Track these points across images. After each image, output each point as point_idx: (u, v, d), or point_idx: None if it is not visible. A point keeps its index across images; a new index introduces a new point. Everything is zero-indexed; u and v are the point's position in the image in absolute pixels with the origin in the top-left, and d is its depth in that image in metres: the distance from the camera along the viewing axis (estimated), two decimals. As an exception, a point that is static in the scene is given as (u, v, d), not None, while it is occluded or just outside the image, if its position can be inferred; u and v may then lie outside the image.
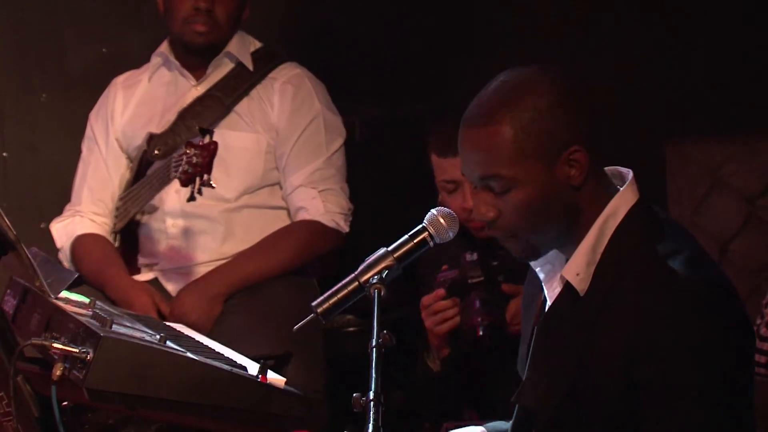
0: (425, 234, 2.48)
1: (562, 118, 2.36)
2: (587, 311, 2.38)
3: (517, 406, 2.55)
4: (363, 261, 2.46)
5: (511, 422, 2.57)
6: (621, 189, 2.43)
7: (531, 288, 2.61)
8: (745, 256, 4.02)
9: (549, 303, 2.49)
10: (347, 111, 4.37)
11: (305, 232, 3.96)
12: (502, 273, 3.40)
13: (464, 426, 2.70)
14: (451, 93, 4.67)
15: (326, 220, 3.96)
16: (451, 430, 2.74)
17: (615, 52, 4.42)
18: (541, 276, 2.52)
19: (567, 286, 2.43)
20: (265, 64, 4.09)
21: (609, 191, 2.43)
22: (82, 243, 4.04)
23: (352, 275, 2.44)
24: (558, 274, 2.45)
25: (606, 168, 2.48)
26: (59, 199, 4.20)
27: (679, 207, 4.08)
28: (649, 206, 2.45)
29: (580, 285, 2.40)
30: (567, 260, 2.44)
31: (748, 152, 4.05)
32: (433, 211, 2.51)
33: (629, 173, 2.47)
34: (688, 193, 4.08)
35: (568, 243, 2.44)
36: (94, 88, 4.25)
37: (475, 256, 3.39)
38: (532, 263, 2.53)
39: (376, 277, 2.41)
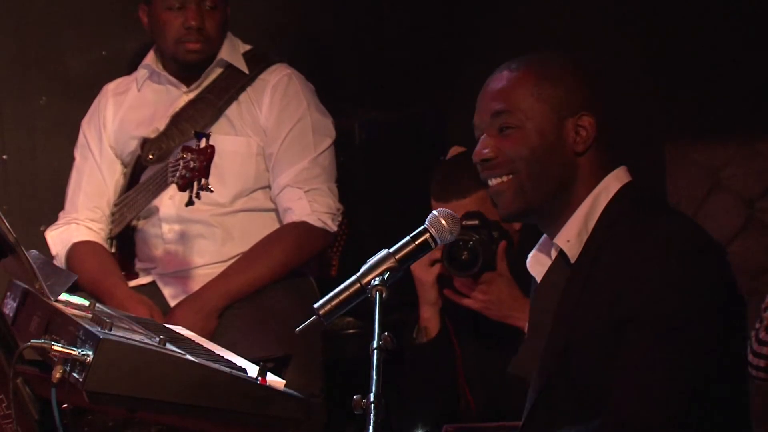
0: (427, 235, 2.49)
1: (582, 86, 2.52)
2: (578, 276, 2.46)
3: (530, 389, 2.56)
4: (364, 263, 2.46)
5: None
6: (614, 171, 2.52)
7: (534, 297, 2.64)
8: (744, 258, 4.02)
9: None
10: (346, 114, 4.37)
11: (292, 236, 3.95)
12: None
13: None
14: (450, 95, 4.69)
15: (313, 220, 3.96)
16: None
17: (615, 53, 4.42)
18: (536, 271, 2.59)
19: (559, 255, 2.52)
20: (254, 66, 4.09)
21: (607, 168, 2.53)
22: (78, 251, 4.04)
23: (354, 277, 2.44)
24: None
25: None
26: (58, 202, 4.20)
27: (679, 209, 4.06)
28: (640, 187, 2.53)
29: (571, 251, 2.49)
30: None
31: (748, 154, 4.05)
32: (435, 212, 2.52)
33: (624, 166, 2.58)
34: (688, 195, 4.08)
35: (556, 217, 2.51)
36: (93, 92, 4.25)
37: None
38: (530, 268, 2.57)
39: (377, 278, 2.41)
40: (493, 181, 2.55)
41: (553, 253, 2.54)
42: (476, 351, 3.50)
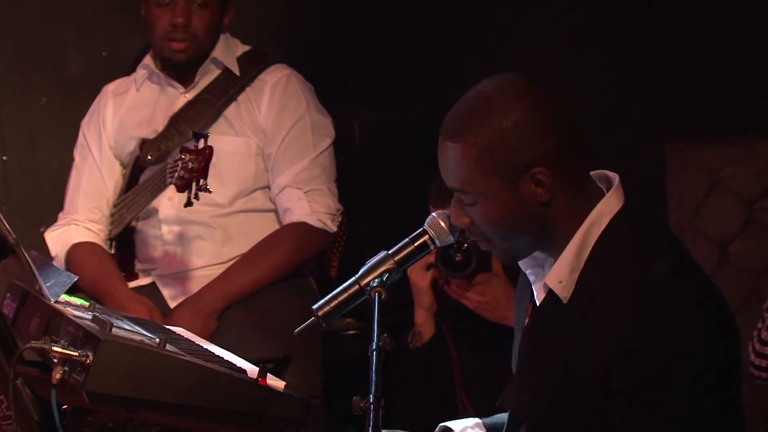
0: (426, 237, 2.49)
1: (526, 138, 2.37)
2: (571, 317, 2.39)
3: (509, 415, 2.56)
4: (363, 264, 2.46)
5: (504, 427, 2.58)
6: (606, 195, 2.43)
7: (522, 291, 2.62)
8: (744, 258, 4.02)
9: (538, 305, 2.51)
10: (347, 114, 4.37)
11: (292, 236, 3.95)
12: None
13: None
14: (450, 95, 4.68)
15: (312, 221, 3.95)
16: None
17: (615, 55, 4.42)
18: (532, 279, 2.53)
19: (551, 293, 2.44)
20: (253, 66, 4.09)
21: (592, 198, 2.43)
22: (77, 252, 4.04)
23: (353, 278, 2.44)
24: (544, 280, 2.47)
25: (593, 172, 2.48)
26: (58, 202, 4.20)
27: (679, 210, 4.08)
28: (634, 212, 2.45)
29: (563, 292, 2.41)
30: (554, 262, 2.45)
31: (748, 155, 4.05)
32: (434, 214, 2.52)
33: (615, 178, 2.47)
34: (688, 195, 4.08)
35: (549, 248, 2.46)
36: (94, 92, 4.25)
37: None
38: (521, 265, 2.55)
39: (376, 280, 2.42)
40: (477, 241, 2.51)
41: (545, 289, 2.46)
42: (473, 355, 3.50)
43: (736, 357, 2.42)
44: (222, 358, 2.74)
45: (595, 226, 2.41)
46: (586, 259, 2.40)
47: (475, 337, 3.49)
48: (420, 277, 3.47)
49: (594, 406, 2.34)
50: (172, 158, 3.74)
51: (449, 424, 2.71)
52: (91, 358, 2.41)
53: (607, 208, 2.42)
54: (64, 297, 2.77)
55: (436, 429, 2.72)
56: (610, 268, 2.37)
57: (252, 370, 2.63)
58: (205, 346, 2.91)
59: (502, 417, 2.68)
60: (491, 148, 2.38)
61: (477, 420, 2.69)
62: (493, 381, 3.42)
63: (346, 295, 2.44)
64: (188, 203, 3.60)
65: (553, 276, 2.42)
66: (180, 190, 3.61)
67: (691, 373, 2.30)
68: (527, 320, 2.54)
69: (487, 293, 3.39)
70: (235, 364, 2.66)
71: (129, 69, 4.29)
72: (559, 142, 2.39)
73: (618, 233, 2.40)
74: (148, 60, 4.13)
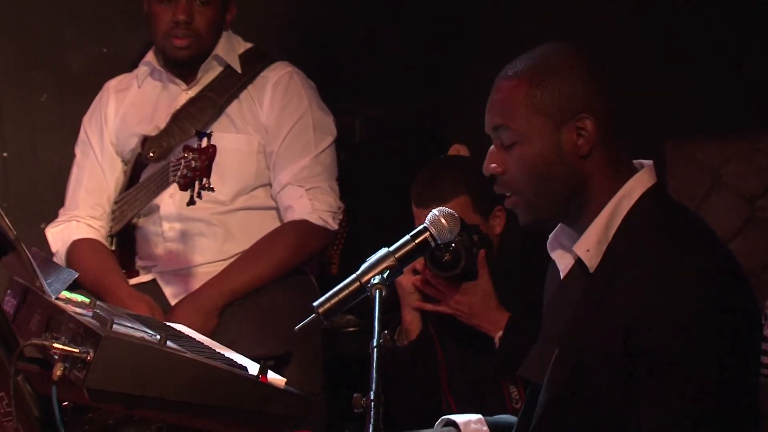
0: (426, 234, 2.49)
1: (580, 85, 2.43)
2: (595, 287, 2.41)
3: (529, 387, 2.55)
4: (364, 261, 2.46)
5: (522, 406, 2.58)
6: (639, 173, 2.46)
7: (551, 281, 2.63)
8: (745, 256, 4.00)
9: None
10: (347, 111, 4.37)
11: (293, 234, 3.95)
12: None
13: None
14: (451, 93, 4.69)
15: (314, 219, 3.96)
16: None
17: (615, 53, 4.42)
18: (560, 266, 2.54)
19: (577, 263, 2.46)
20: (255, 64, 4.09)
21: (626, 171, 2.46)
22: (78, 248, 4.04)
23: (354, 275, 2.44)
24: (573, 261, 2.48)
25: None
26: (59, 199, 4.20)
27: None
28: (664, 191, 2.49)
29: (590, 261, 2.43)
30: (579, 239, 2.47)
31: (748, 153, 4.05)
32: (435, 211, 2.52)
33: (650, 162, 2.51)
34: (688, 193, 4.08)
35: (577, 218, 2.47)
36: (94, 89, 4.25)
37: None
38: (551, 253, 2.55)
39: (377, 277, 2.41)
40: (506, 197, 2.52)
41: (572, 258, 2.49)
42: (459, 356, 3.51)
43: (756, 331, 2.43)
44: (223, 355, 2.75)
45: (626, 200, 2.44)
46: (615, 232, 2.42)
47: (461, 339, 3.49)
48: (405, 278, 3.47)
49: (614, 376, 2.35)
50: (175, 156, 3.74)
51: (452, 417, 2.71)
52: (91, 354, 2.41)
53: (639, 183, 2.45)
54: (65, 294, 2.77)
55: (438, 421, 2.72)
56: (637, 243, 2.39)
57: (252, 367, 2.63)
58: (205, 343, 2.91)
59: (504, 418, 2.69)
60: (544, 85, 2.42)
61: (479, 416, 2.70)
62: (479, 383, 3.44)
63: (346, 292, 2.44)
64: (191, 202, 3.60)
65: (582, 245, 2.44)
66: (183, 188, 3.61)
67: (712, 348, 2.31)
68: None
69: (465, 302, 3.39)
70: (235, 361, 2.66)
71: (129, 66, 4.29)
72: (608, 102, 2.45)
73: (647, 209, 2.43)
74: (150, 57, 4.13)
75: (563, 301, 2.49)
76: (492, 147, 2.50)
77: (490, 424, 2.69)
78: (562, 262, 2.53)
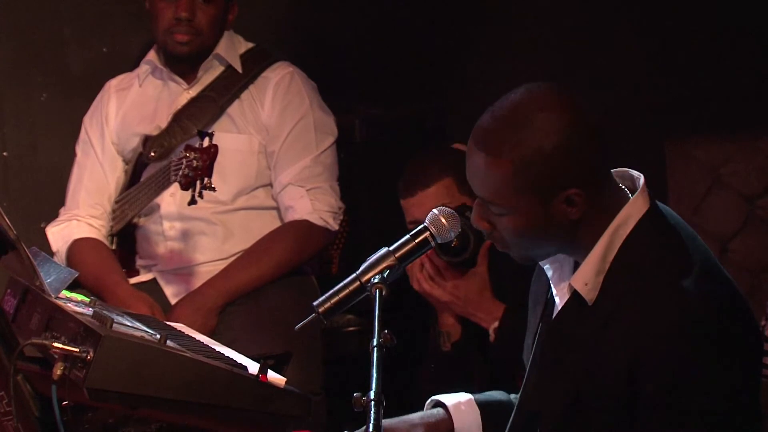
0: (426, 234, 2.49)
1: (565, 162, 2.34)
2: (595, 320, 2.38)
3: (515, 409, 2.55)
4: (364, 261, 2.46)
5: (508, 425, 2.57)
6: (632, 197, 2.42)
7: (539, 284, 2.62)
8: (744, 255, 4.02)
9: (558, 305, 2.49)
10: (347, 111, 4.37)
11: (294, 234, 3.95)
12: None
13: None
14: (451, 92, 4.69)
15: (314, 219, 3.96)
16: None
17: (615, 52, 4.42)
18: (549, 273, 2.52)
19: (575, 294, 2.42)
20: (256, 64, 4.09)
21: (617, 201, 2.41)
22: (78, 247, 4.04)
23: (354, 275, 2.44)
24: (567, 280, 2.46)
25: (615, 171, 2.46)
26: (59, 198, 4.20)
27: (679, 206, 4.07)
28: (660, 215, 2.44)
29: (589, 295, 2.40)
30: (575, 262, 2.45)
31: (748, 152, 4.05)
32: (435, 210, 2.52)
33: (640, 178, 2.45)
34: (688, 192, 4.08)
35: (572, 252, 2.45)
36: (94, 88, 4.25)
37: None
38: (540, 262, 2.54)
39: (377, 276, 2.41)
40: (496, 245, 2.50)
41: (569, 290, 2.44)
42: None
43: (757, 364, 2.42)
44: (223, 354, 2.74)
45: (621, 229, 2.39)
46: (612, 262, 2.39)
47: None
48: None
49: (615, 411, 2.33)
50: (176, 156, 3.74)
51: (441, 397, 2.69)
52: (91, 354, 2.41)
53: (634, 210, 2.40)
54: (65, 293, 2.77)
55: (427, 401, 2.70)
56: (636, 272, 2.36)
57: (253, 366, 2.63)
58: (205, 343, 2.91)
59: (494, 395, 2.68)
60: (529, 167, 2.34)
61: (469, 396, 2.68)
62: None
63: (346, 291, 2.44)
64: (192, 201, 3.61)
65: (579, 278, 2.40)
66: (184, 188, 3.62)
67: (715, 379, 2.29)
68: (544, 315, 2.54)
69: (461, 288, 3.39)
70: (235, 361, 2.66)
71: (130, 65, 4.29)
72: (596, 161, 2.38)
73: (644, 236, 2.39)
74: (151, 55, 4.13)
75: (562, 330, 2.46)
76: (476, 204, 2.46)
77: (479, 403, 2.67)
78: (560, 293, 2.49)
